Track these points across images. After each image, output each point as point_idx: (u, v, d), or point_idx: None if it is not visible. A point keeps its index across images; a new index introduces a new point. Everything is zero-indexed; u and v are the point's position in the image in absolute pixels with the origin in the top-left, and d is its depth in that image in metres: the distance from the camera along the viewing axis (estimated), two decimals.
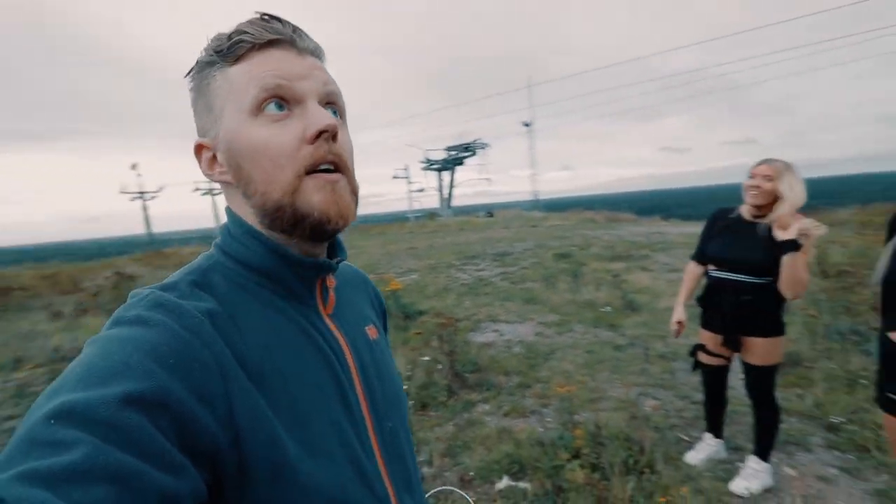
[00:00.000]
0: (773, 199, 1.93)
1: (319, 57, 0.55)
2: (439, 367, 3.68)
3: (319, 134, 0.49)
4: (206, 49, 0.52)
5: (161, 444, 0.36)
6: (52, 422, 0.34)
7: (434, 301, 6.47)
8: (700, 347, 2.28)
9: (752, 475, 2.17)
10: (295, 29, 0.52)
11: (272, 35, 0.50)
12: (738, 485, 2.17)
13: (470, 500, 1.99)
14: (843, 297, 4.26)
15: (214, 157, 0.54)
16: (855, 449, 2.36)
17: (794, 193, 1.86)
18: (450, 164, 35.26)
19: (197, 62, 0.53)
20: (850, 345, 3.44)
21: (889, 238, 1.44)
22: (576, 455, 2.42)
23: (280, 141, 0.49)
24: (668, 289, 6.12)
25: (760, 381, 2.12)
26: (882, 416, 1.47)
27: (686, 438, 2.64)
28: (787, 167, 1.93)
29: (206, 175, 0.55)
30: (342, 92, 0.56)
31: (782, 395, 3.00)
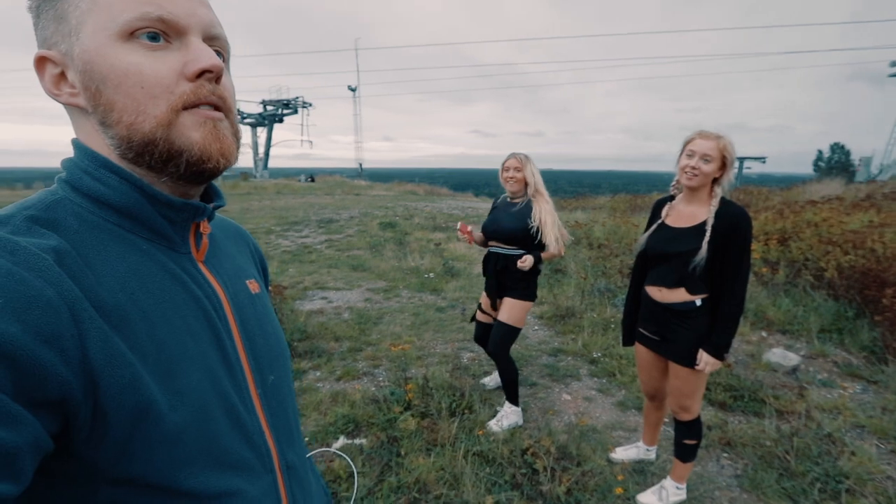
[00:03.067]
0: (525, 183, 2.47)
1: None
2: None
3: (202, 73, 0.46)
4: None
5: None
6: None
7: None
8: (479, 306, 2.77)
9: (504, 417, 2.53)
10: None
11: None
12: (492, 425, 2.49)
13: (350, 461, 1.99)
14: (602, 263, 5.56)
15: (63, 74, 0.46)
16: (606, 375, 3.17)
17: (535, 178, 2.46)
18: (266, 119, 31.80)
19: None
20: (605, 299, 4.53)
21: (651, 218, 1.95)
22: (407, 407, 2.62)
23: (156, 69, 0.44)
24: (480, 256, 6.92)
25: (501, 336, 2.47)
26: (635, 348, 2.03)
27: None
28: (528, 158, 2.48)
29: (51, 94, 0.47)
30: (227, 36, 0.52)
31: (562, 341, 3.80)
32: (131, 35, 0.44)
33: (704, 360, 1.73)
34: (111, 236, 0.46)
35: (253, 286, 0.62)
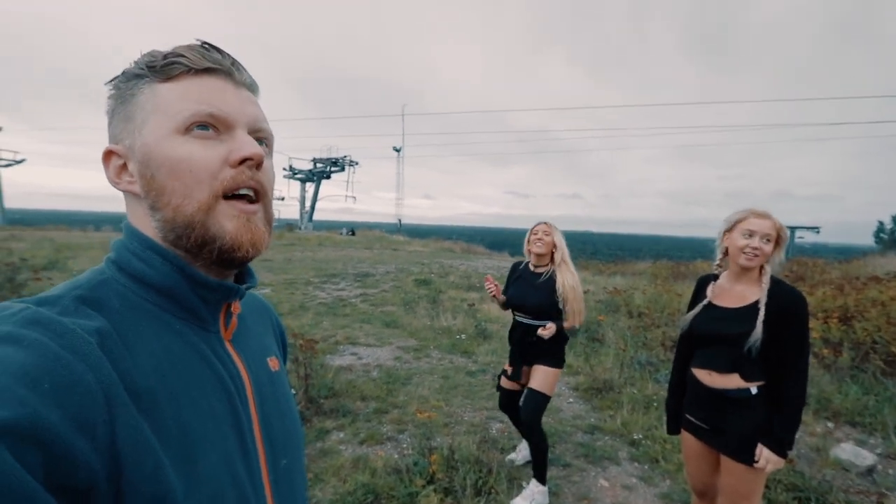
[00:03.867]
0: (552, 247, 2.45)
1: (254, 92, 0.56)
2: (292, 391, 3.42)
3: (244, 160, 0.50)
4: (136, 62, 0.51)
5: (23, 483, 0.32)
6: None
7: (289, 320, 6.04)
8: (503, 373, 2.68)
9: (529, 496, 2.35)
10: (234, 62, 0.53)
11: (209, 63, 0.51)
12: (518, 503, 2.33)
13: None
14: (643, 334, 5.28)
15: (125, 166, 0.52)
16: (649, 461, 2.90)
17: (562, 246, 2.46)
18: (315, 175, 33.83)
19: (123, 72, 0.52)
20: (647, 374, 4.25)
21: (695, 296, 1.85)
22: (430, 480, 2.47)
23: (203, 157, 0.49)
24: None
25: (532, 405, 2.37)
26: (682, 437, 1.85)
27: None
28: (555, 226, 2.50)
29: (112, 183, 0.53)
30: (272, 130, 0.58)
31: (599, 417, 3.55)
32: (187, 130, 0.49)
33: (765, 456, 1.55)
34: (148, 316, 0.49)
35: (273, 364, 0.63)
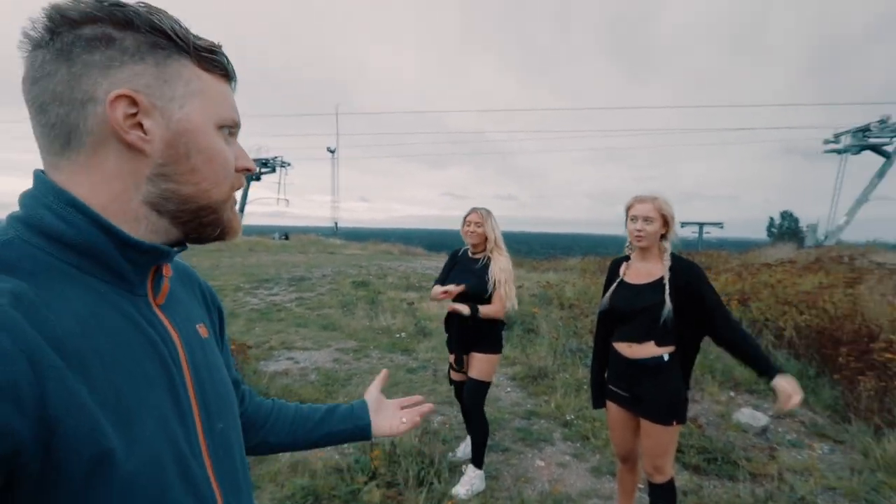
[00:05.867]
0: (485, 237, 2.49)
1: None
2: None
3: (246, 170, 0.59)
4: (175, 25, 0.49)
5: None
6: None
7: None
8: (450, 366, 2.70)
9: (468, 481, 2.45)
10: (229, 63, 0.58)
11: (231, 72, 0.57)
12: (458, 489, 2.42)
13: None
14: (573, 323, 5.59)
15: (135, 116, 0.47)
16: (580, 439, 3.09)
17: (496, 234, 2.49)
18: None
19: (158, 25, 0.48)
20: (577, 359, 4.52)
21: (610, 277, 2.02)
22: (372, 476, 2.47)
23: (229, 157, 0.56)
24: None
25: (474, 393, 2.47)
26: (606, 407, 2.00)
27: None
28: (489, 213, 2.51)
29: (118, 127, 0.46)
30: None
31: (535, 402, 3.73)
32: (220, 128, 0.54)
33: (786, 389, 1.60)
34: (67, 278, 0.45)
35: (202, 331, 0.62)
